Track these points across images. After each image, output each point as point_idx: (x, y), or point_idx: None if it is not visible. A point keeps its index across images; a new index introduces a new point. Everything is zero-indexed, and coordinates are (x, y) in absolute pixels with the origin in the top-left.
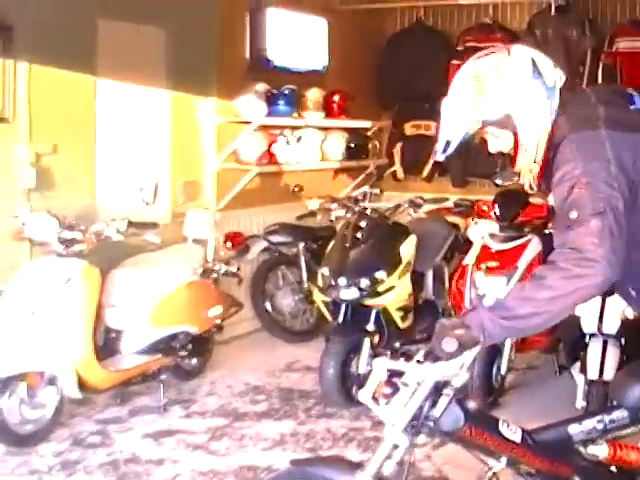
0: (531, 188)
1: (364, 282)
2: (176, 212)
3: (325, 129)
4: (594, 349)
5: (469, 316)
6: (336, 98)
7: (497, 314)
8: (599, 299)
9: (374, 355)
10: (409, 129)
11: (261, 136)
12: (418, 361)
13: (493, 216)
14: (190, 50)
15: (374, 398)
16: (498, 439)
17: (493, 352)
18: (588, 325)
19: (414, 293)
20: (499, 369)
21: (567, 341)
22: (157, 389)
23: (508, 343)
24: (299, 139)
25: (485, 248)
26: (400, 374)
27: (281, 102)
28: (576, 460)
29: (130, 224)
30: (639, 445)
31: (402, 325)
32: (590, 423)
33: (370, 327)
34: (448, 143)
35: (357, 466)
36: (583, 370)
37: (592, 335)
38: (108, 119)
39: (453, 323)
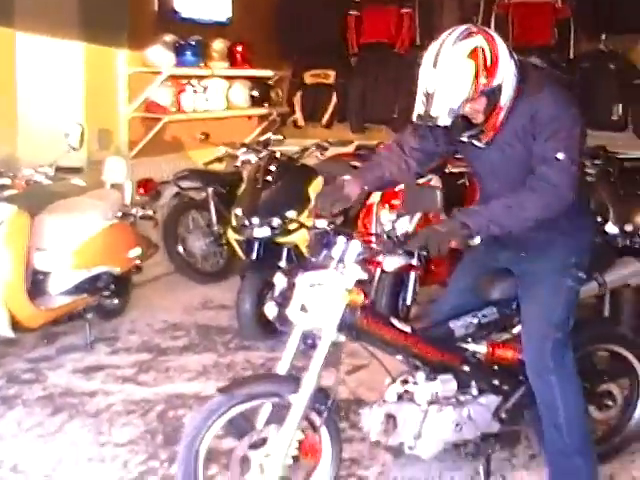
0: (486, 144)
1: (276, 221)
2: (91, 159)
3: (230, 78)
4: None
5: (470, 219)
6: (239, 48)
7: (487, 218)
8: None
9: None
10: (308, 78)
11: (170, 85)
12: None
13: None
14: (101, 2)
15: (302, 309)
16: (391, 329)
17: (399, 283)
18: None
19: None
20: (404, 300)
21: None
22: (81, 328)
23: (412, 276)
24: (206, 88)
25: None
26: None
27: (188, 52)
28: (462, 353)
29: (57, 169)
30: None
31: None
32: (467, 319)
33: (282, 263)
34: (451, 110)
35: (282, 377)
36: None
37: None
38: (27, 71)
39: (457, 223)
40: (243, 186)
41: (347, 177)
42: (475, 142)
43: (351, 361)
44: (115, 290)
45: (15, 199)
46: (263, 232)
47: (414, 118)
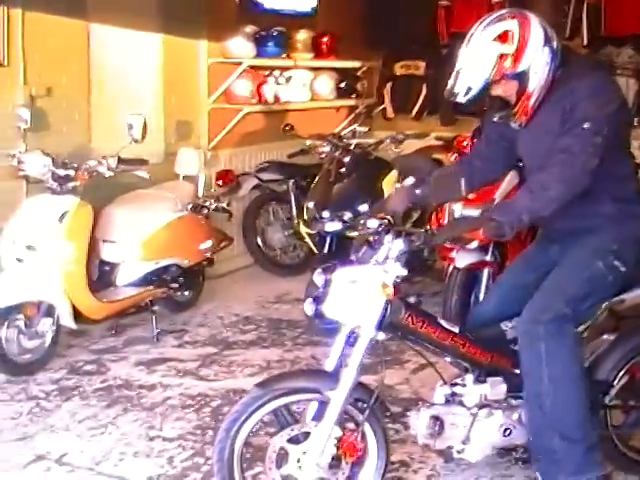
0: (520, 126)
1: (347, 215)
2: (169, 151)
3: (315, 69)
4: None
5: (497, 214)
6: (325, 39)
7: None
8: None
9: (326, 270)
10: (398, 69)
11: (251, 77)
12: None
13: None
14: None
15: (339, 306)
16: (438, 328)
17: (471, 280)
18: None
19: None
20: (477, 298)
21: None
22: (150, 321)
23: (486, 273)
24: (288, 79)
25: None
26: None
27: (270, 44)
28: (513, 355)
29: (120, 161)
30: None
31: None
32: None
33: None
34: (469, 89)
35: (323, 372)
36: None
37: None
38: (102, 62)
39: (481, 218)
40: (317, 179)
41: (399, 186)
42: (512, 123)
43: (417, 359)
44: (184, 283)
45: (78, 190)
46: (334, 226)
47: (444, 93)
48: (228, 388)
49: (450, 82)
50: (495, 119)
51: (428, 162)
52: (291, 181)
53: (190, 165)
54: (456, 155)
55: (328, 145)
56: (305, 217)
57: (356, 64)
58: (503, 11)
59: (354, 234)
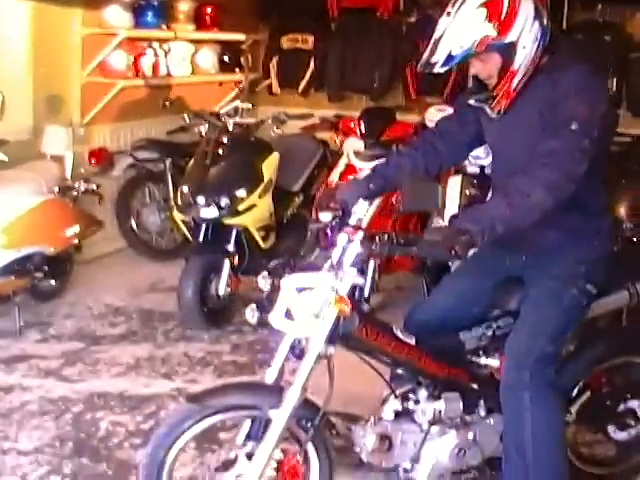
0: (499, 113)
1: (224, 200)
2: (38, 127)
3: (197, 42)
4: None
5: (466, 223)
6: (208, 10)
7: (488, 217)
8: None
9: (272, 273)
10: (286, 42)
11: (128, 49)
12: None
13: (358, 133)
14: None
15: (287, 315)
16: (393, 340)
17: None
18: None
19: (279, 211)
20: (362, 290)
21: (432, 264)
22: (12, 313)
23: (371, 264)
24: (168, 52)
25: (349, 166)
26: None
27: (149, 14)
28: (472, 368)
29: None
30: None
31: (264, 245)
32: (480, 330)
33: (230, 247)
34: (450, 57)
35: (263, 387)
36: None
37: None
38: None
39: (453, 230)
40: (192, 161)
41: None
42: (487, 110)
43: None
44: (49, 271)
45: None
46: (210, 212)
47: (418, 66)
48: (92, 391)
49: (427, 51)
50: (471, 102)
51: (313, 143)
52: (168, 160)
53: (57, 144)
54: (341, 137)
55: (206, 124)
56: (179, 202)
57: (241, 37)
58: None
59: (234, 221)
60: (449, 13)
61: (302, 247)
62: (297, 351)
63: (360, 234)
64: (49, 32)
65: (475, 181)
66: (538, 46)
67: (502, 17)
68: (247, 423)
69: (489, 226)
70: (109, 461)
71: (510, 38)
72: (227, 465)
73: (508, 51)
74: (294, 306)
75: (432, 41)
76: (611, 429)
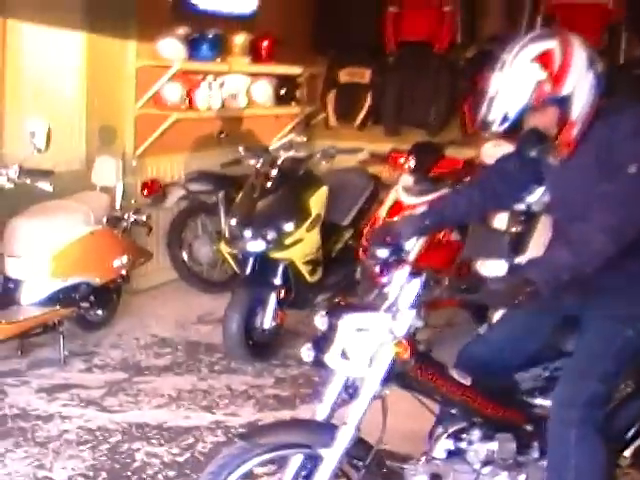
0: (561, 161)
1: (271, 234)
2: (91, 158)
3: (254, 75)
4: (500, 310)
5: (531, 273)
6: (264, 43)
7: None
8: (506, 264)
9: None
10: (343, 76)
11: (182, 81)
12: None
13: (407, 168)
14: None
15: (343, 354)
16: (448, 381)
17: None
18: None
19: (328, 245)
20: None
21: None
22: (57, 342)
23: None
24: (222, 84)
25: (398, 202)
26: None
27: (204, 47)
28: (526, 409)
29: (22, 171)
30: None
31: (310, 279)
32: (536, 371)
33: (277, 281)
34: (506, 116)
35: (315, 425)
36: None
37: None
38: (19, 62)
39: (519, 281)
40: (240, 194)
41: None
42: (550, 159)
43: None
44: (96, 302)
45: None
46: (256, 246)
47: (476, 125)
48: (131, 421)
49: (483, 110)
50: (533, 154)
51: (364, 177)
52: (221, 192)
53: (107, 175)
54: (390, 171)
55: (254, 157)
56: (226, 235)
57: (297, 70)
58: (543, 30)
59: (281, 255)
60: (502, 66)
61: (352, 284)
62: (350, 390)
63: (421, 274)
64: (103, 63)
65: (522, 218)
66: (594, 94)
67: (556, 70)
68: (295, 460)
69: (554, 276)
70: None
71: (565, 91)
72: None
73: (564, 103)
74: (350, 346)
75: (487, 99)
76: None
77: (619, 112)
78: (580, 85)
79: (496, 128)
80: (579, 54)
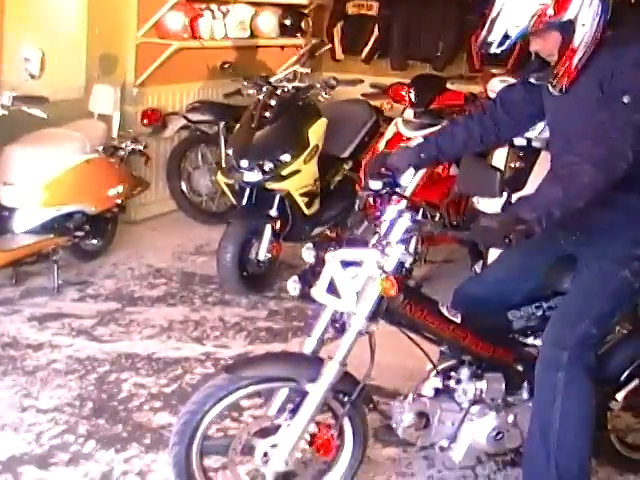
0: (560, 91)
1: (268, 165)
2: (91, 87)
3: (257, 5)
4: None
5: (523, 211)
6: None
7: (542, 202)
8: (503, 200)
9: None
10: (351, 8)
11: (184, 10)
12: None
13: (408, 100)
14: None
15: (331, 289)
16: (438, 318)
17: None
18: None
19: (326, 178)
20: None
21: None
22: (52, 271)
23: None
24: (226, 14)
25: (397, 134)
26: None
27: None
28: (518, 348)
29: (16, 98)
30: None
31: (307, 211)
32: (529, 309)
33: (273, 212)
34: (506, 38)
35: (301, 359)
36: (484, 267)
37: None
38: None
39: (511, 219)
40: (238, 124)
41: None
42: (550, 88)
43: None
44: (91, 231)
45: None
46: (253, 176)
47: (476, 46)
48: (121, 352)
49: (484, 31)
50: (532, 79)
51: (366, 109)
52: (222, 123)
53: (105, 103)
54: (392, 104)
55: (254, 88)
56: (223, 165)
57: (303, 0)
58: None
59: (277, 186)
60: None
61: (349, 216)
62: (338, 325)
63: (414, 208)
64: None
65: (522, 154)
66: (599, 22)
67: None
68: (281, 394)
69: (545, 212)
70: (126, 423)
71: (568, 16)
72: (266, 432)
73: (567, 29)
74: (338, 281)
75: (489, 20)
76: None
77: (626, 43)
78: (584, 11)
79: (494, 49)
80: None
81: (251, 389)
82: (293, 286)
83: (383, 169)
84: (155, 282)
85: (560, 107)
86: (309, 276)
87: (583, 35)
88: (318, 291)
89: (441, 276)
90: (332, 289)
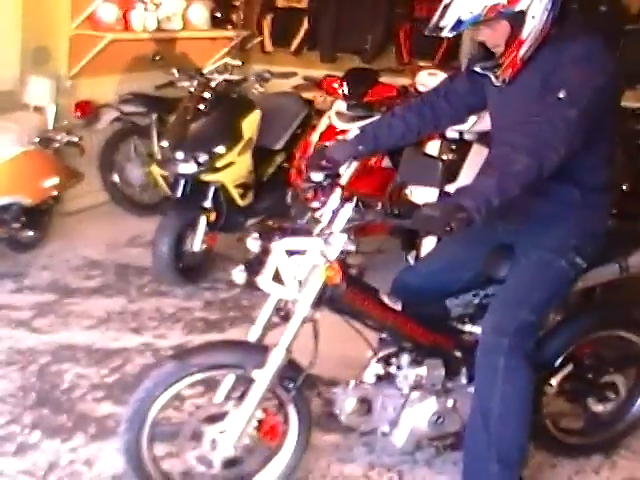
0: (504, 82)
1: (202, 156)
2: (25, 79)
3: None
4: (429, 239)
5: (462, 199)
6: None
7: (480, 190)
8: (437, 191)
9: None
10: (280, 1)
11: (118, 1)
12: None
13: (341, 93)
14: None
15: (276, 279)
16: (379, 305)
17: None
18: None
19: (260, 170)
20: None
21: (403, 229)
22: None
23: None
24: (159, 6)
25: (331, 126)
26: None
27: None
28: (456, 335)
29: None
30: None
31: (241, 203)
32: (467, 297)
33: (207, 204)
34: (459, 22)
35: (247, 346)
36: (417, 258)
37: None
38: None
39: (451, 207)
40: (173, 116)
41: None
42: (492, 78)
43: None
44: (27, 222)
45: None
46: (188, 168)
47: (426, 30)
48: (61, 343)
49: (436, 15)
50: (477, 69)
51: (298, 102)
52: (154, 115)
53: (40, 95)
54: (324, 96)
55: (187, 80)
56: (158, 157)
57: None
58: None
59: (212, 177)
60: None
61: (287, 208)
62: (282, 312)
63: (353, 199)
64: None
65: (454, 146)
66: (548, 17)
67: None
68: (228, 381)
69: (484, 200)
70: (70, 413)
71: (520, 7)
72: (214, 419)
73: (517, 20)
74: (283, 269)
75: (442, 5)
76: (590, 401)
77: (571, 40)
78: (535, 4)
79: (446, 33)
80: None
81: (199, 376)
82: (239, 275)
83: (324, 162)
84: (91, 274)
85: (502, 98)
86: (255, 265)
87: (532, 27)
88: (264, 280)
89: (374, 267)
90: (277, 278)
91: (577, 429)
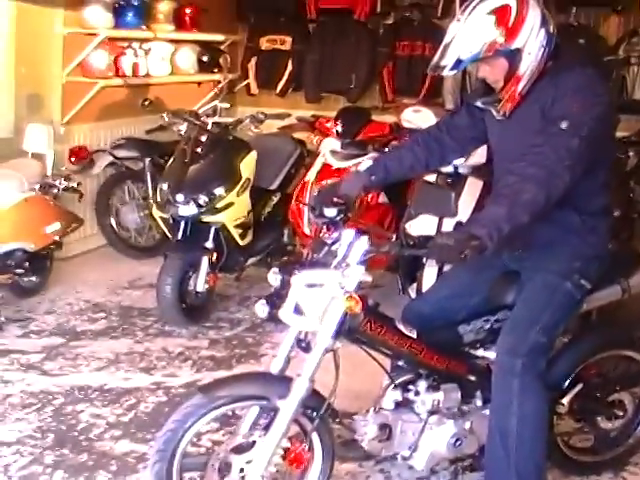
0: (504, 116)
1: (202, 198)
2: (19, 126)
3: (177, 42)
4: (430, 271)
5: (474, 228)
6: (188, 11)
7: (491, 219)
8: (436, 221)
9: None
10: (264, 43)
11: (108, 48)
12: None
13: (334, 133)
14: None
15: (297, 310)
16: (396, 334)
17: None
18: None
19: (257, 210)
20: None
21: (405, 262)
22: None
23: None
24: (148, 52)
25: (326, 165)
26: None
27: (130, 14)
28: (470, 360)
29: None
30: None
31: (241, 242)
32: (478, 323)
33: (209, 244)
34: (458, 61)
35: (271, 378)
36: (419, 291)
37: None
38: None
39: (465, 235)
40: (172, 159)
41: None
42: (493, 112)
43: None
44: (31, 268)
45: None
46: (188, 210)
47: (428, 69)
48: (73, 384)
49: (436, 55)
50: (478, 103)
51: (290, 142)
52: (147, 159)
53: (39, 142)
54: (319, 137)
55: (184, 123)
56: (158, 200)
57: (219, 37)
58: None
59: (213, 219)
60: (459, 19)
61: (284, 246)
62: (303, 344)
63: (367, 232)
64: (30, 31)
65: (449, 180)
66: (544, 52)
67: (510, 24)
68: (253, 412)
69: (495, 228)
70: (90, 452)
71: (517, 44)
72: (241, 449)
73: (514, 57)
74: (303, 302)
75: (442, 46)
76: (599, 420)
77: (567, 71)
78: (531, 41)
79: (447, 72)
80: (534, 11)
81: (225, 409)
82: (262, 309)
83: (335, 198)
84: (95, 316)
85: (503, 131)
86: (275, 299)
87: (529, 63)
88: (285, 312)
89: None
90: (297, 310)
91: (587, 447)
